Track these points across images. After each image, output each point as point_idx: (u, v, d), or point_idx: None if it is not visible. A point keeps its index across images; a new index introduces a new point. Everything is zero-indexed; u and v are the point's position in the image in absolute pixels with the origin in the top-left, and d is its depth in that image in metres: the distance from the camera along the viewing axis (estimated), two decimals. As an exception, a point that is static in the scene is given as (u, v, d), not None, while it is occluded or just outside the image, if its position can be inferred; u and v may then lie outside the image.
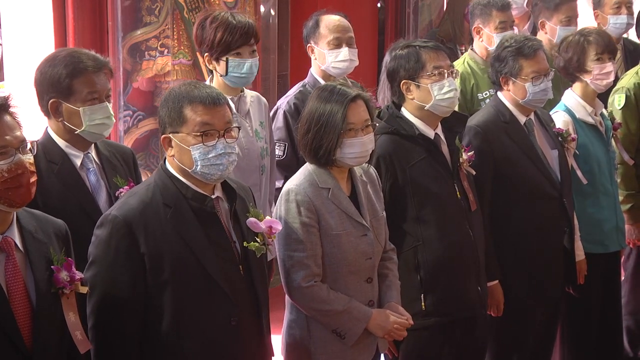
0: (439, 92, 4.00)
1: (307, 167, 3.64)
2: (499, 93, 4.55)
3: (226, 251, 3.22)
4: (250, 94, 4.53)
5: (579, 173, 4.71)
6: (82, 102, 3.50)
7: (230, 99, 4.29)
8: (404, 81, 4.04)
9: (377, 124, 3.85)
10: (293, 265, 3.53)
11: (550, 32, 5.93)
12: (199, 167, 3.15)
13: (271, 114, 4.87)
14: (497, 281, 4.36)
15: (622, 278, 5.50)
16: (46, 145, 3.53)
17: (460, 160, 4.12)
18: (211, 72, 4.40)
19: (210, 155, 3.15)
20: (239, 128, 3.31)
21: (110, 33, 5.17)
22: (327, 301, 3.54)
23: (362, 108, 3.59)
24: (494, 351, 4.52)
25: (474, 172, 4.20)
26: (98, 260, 3.12)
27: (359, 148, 3.57)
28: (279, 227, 3.36)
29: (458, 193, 4.08)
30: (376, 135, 3.75)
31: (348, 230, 3.59)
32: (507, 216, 4.41)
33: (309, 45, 4.98)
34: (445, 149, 4.11)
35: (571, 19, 5.96)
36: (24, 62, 4.97)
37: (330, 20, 4.93)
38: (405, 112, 4.08)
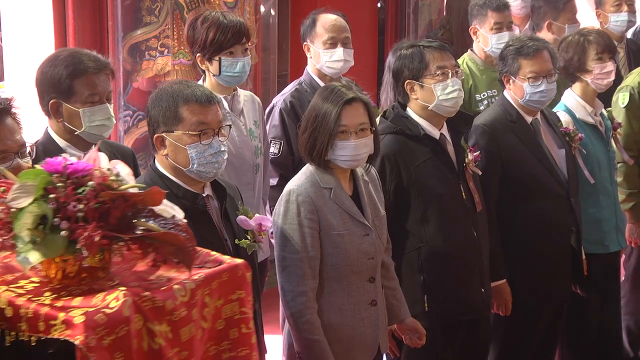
0: (442, 92, 3.99)
1: (308, 167, 3.62)
2: (505, 92, 4.54)
3: (218, 249, 3.18)
4: (244, 93, 4.52)
5: (586, 173, 4.68)
6: (82, 103, 3.49)
7: (224, 98, 4.29)
8: (407, 81, 4.03)
9: (379, 127, 3.80)
10: (287, 266, 3.51)
11: (558, 32, 5.93)
12: (195, 165, 3.17)
13: (267, 111, 4.86)
14: (504, 280, 4.35)
15: (622, 278, 5.50)
16: (46, 145, 3.52)
17: (466, 160, 4.10)
18: (204, 71, 4.39)
19: (206, 154, 3.17)
20: (230, 126, 3.31)
21: (110, 33, 5.16)
22: (316, 333, 3.49)
23: (358, 111, 3.53)
24: (497, 351, 4.51)
25: (479, 173, 4.17)
26: None
27: (349, 151, 3.52)
28: (268, 224, 3.36)
29: (463, 194, 4.07)
30: (381, 135, 3.74)
31: (350, 230, 3.57)
32: (514, 215, 4.40)
33: (305, 43, 4.95)
34: (450, 149, 4.09)
35: (574, 15, 6.01)
36: (24, 62, 4.97)
37: (327, 20, 4.87)
38: (410, 112, 4.07)
